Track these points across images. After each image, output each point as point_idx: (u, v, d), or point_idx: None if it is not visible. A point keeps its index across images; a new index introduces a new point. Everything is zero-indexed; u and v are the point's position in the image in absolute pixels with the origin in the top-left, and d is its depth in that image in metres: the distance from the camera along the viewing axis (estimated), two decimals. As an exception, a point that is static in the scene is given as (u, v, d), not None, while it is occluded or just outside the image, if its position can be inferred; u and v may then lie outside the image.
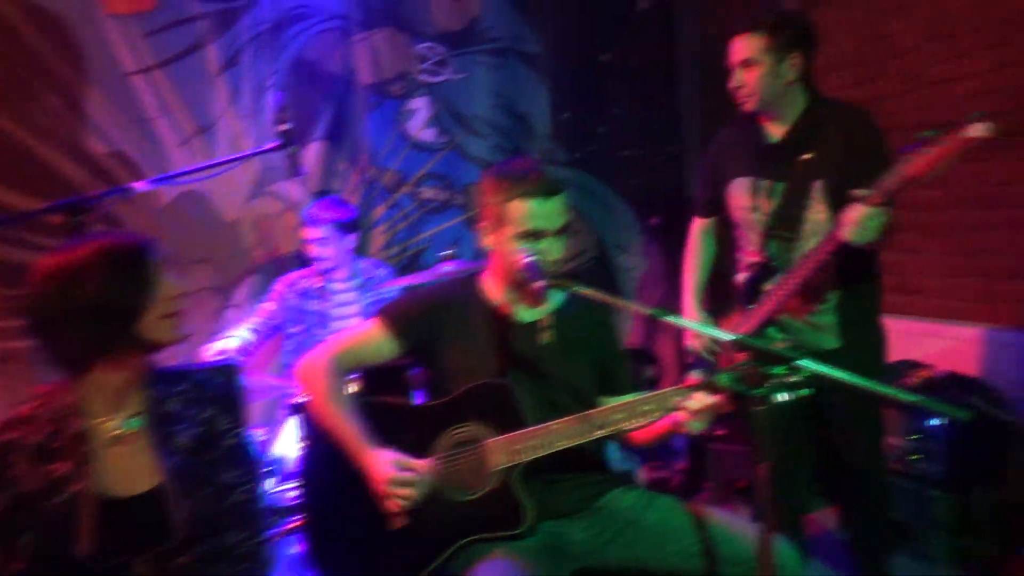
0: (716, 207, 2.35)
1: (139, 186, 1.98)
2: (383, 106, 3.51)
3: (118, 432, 1.41)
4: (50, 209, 1.81)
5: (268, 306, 2.98)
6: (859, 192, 1.86)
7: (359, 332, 1.87)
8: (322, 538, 1.73)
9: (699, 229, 2.46)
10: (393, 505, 1.64)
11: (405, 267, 3.53)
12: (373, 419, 1.74)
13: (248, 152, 2.46)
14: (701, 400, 1.57)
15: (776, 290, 2.12)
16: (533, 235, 1.72)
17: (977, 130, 1.66)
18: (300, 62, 3.37)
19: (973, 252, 3.23)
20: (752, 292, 2.20)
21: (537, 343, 1.83)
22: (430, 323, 1.84)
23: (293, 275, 3.07)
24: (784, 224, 2.14)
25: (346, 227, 2.95)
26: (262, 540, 1.53)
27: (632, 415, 1.64)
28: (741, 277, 2.27)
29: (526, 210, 1.71)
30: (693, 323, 1.57)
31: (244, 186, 3.32)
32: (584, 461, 1.82)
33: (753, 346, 1.43)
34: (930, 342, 3.31)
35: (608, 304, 1.98)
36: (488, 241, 1.80)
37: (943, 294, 3.40)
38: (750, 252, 2.25)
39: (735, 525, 1.72)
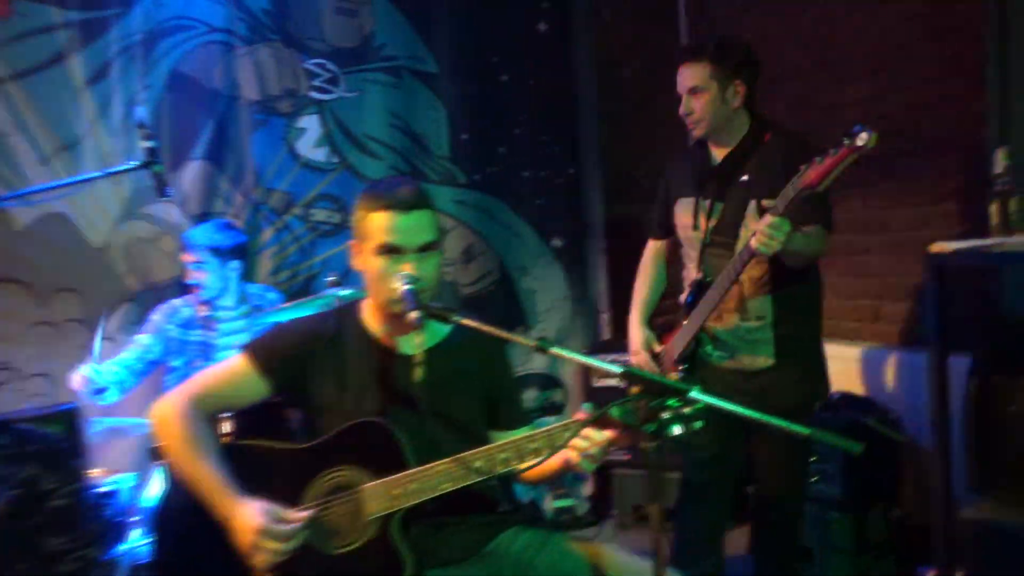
0: (668, 229, 2.39)
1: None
2: (270, 124, 3.32)
3: None
4: None
5: (144, 338, 2.75)
6: (766, 203, 1.92)
7: (222, 370, 1.69)
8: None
9: (651, 251, 2.50)
10: (260, 560, 1.47)
11: (297, 293, 3.33)
12: (239, 465, 1.57)
13: (106, 171, 2.23)
14: (591, 437, 1.48)
15: (704, 304, 2.14)
16: (390, 250, 1.60)
17: (862, 139, 1.73)
18: (177, 76, 3.15)
19: (860, 274, 3.31)
20: (691, 309, 2.22)
21: (420, 377, 1.70)
22: (301, 359, 1.69)
23: (173, 303, 2.84)
24: (720, 242, 2.18)
25: (227, 252, 2.75)
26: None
27: (519, 454, 1.53)
28: (683, 295, 2.28)
29: (383, 223, 1.60)
30: (572, 354, 1.47)
31: (113, 208, 3.06)
32: (473, 502, 1.70)
33: (642, 377, 1.34)
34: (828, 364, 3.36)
35: (492, 333, 1.89)
36: (356, 262, 1.67)
37: (833, 315, 3.47)
38: (691, 269, 2.28)
39: (632, 566, 1.63)
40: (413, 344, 1.71)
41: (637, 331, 2.40)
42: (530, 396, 3.89)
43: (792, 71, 3.46)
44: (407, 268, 1.59)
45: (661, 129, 3.91)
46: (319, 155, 3.42)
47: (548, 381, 3.93)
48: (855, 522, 2.83)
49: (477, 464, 1.53)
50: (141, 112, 2.13)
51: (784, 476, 2.29)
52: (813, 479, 2.88)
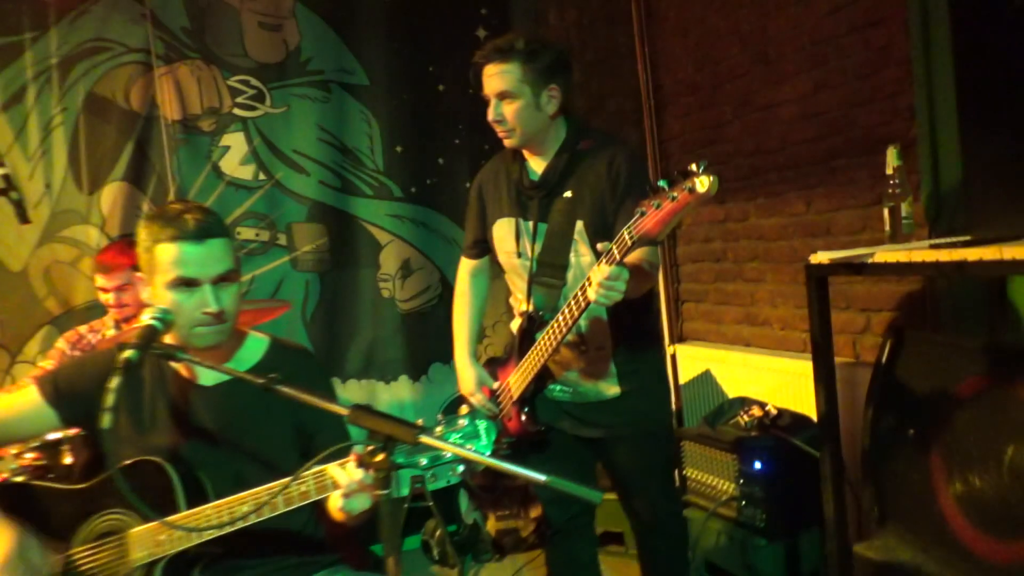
0: (484, 248, 2.19)
1: None
2: (192, 143, 3.28)
3: None
4: None
5: (46, 366, 2.72)
6: (601, 246, 1.69)
7: (10, 399, 1.63)
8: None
9: (467, 272, 2.27)
10: None
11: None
12: (15, 502, 1.50)
13: None
14: (351, 476, 1.37)
15: (542, 344, 1.95)
16: (184, 283, 1.51)
17: (702, 186, 1.46)
18: (94, 98, 3.14)
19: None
20: (524, 343, 2.03)
21: (220, 410, 1.61)
22: (91, 390, 1.61)
23: (79, 330, 2.82)
24: (548, 270, 1.98)
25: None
26: None
27: (287, 497, 1.42)
28: (514, 324, 2.10)
29: (174, 255, 1.50)
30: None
31: (31, 231, 3.06)
32: (279, 543, 1.60)
33: (371, 425, 1.22)
34: (771, 377, 3.17)
35: (315, 363, 1.79)
36: (145, 295, 1.59)
37: (787, 325, 3.27)
38: (518, 299, 2.09)
39: None
40: (215, 375, 1.62)
41: (468, 370, 2.17)
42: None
43: (736, 71, 3.29)
44: (202, 300, 1.51)
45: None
46: (245, 173, 3.37)
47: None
48: (785, 549, 2.64)
49: (243, 508, 1.43)
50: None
51: (653, 495, 2.14)
52: (742, 503, 2.71)
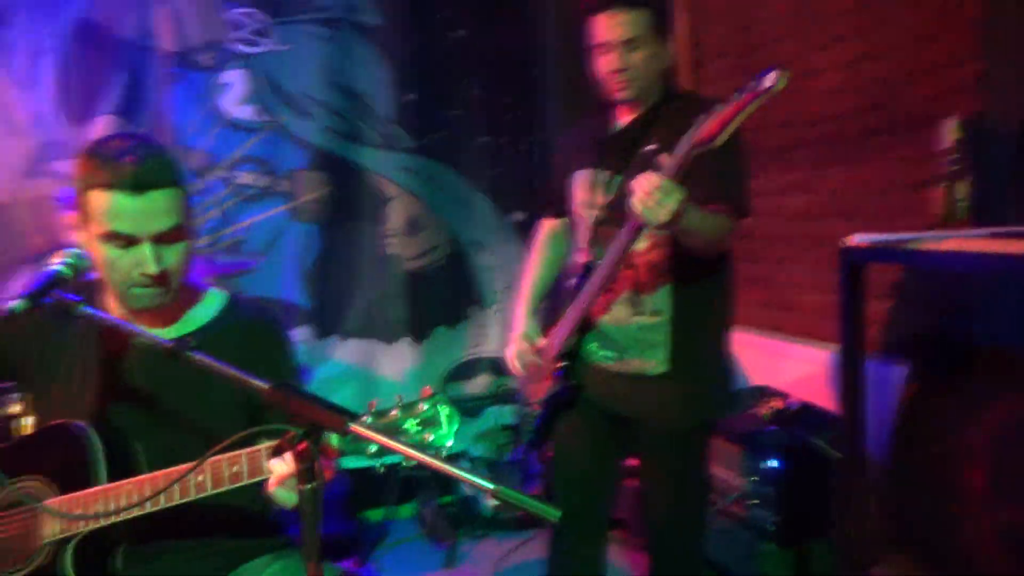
0: (562, 208, 2.03)
1: None
2: (189, 78, 3.08)
3: None
4: None
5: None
6: (657, 161, 1.56)
7: None
8: None
9: (545, 231, 2.14)
10: None
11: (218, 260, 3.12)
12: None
13: None
14: (285, 464, 1.19)
15: (588, 288, 1.79)
16: (118, 238, 1.31)
17: (769, 80, 1.40)
18: (85, 24, 2.95)
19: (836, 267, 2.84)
20: (576, 295, 1.86)
21: (159, 372, 1.43)
22: (21, 342, 1.44)
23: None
24: (616, 220, 1.79)
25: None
26: None
27: (215, 478, 1.24)
28: (570, 281, 1.93)
29: (107, 206, 1.30)
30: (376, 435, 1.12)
31: (18, 163, 2.90)
32: (216, 524, 1.43)
33: (295, 408, 1.03)
34: (795, 366, 2.92)
35: (274, 324, 1.60)
36: (79, 238, 1.39)
37: (816, 311, 3.01)
38: (581, 251, 1.93)
39: None
40: (163, 332, 1.44)
41: (519, 320, 2.04)
42: (481, 383, 3.58)
43: (774, 32, 2.98)
44: (141, 260, 1.32)
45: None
46: (245, 113, 3.17)
47: (501, 366, 3.61)
48: (795, 556, 2.43)
49: (199, 478, 1.26)
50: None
51: (676, 498, 1.94)
52: (753, 502, 2.50)
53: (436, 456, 1.01)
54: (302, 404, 1.03)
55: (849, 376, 1.72)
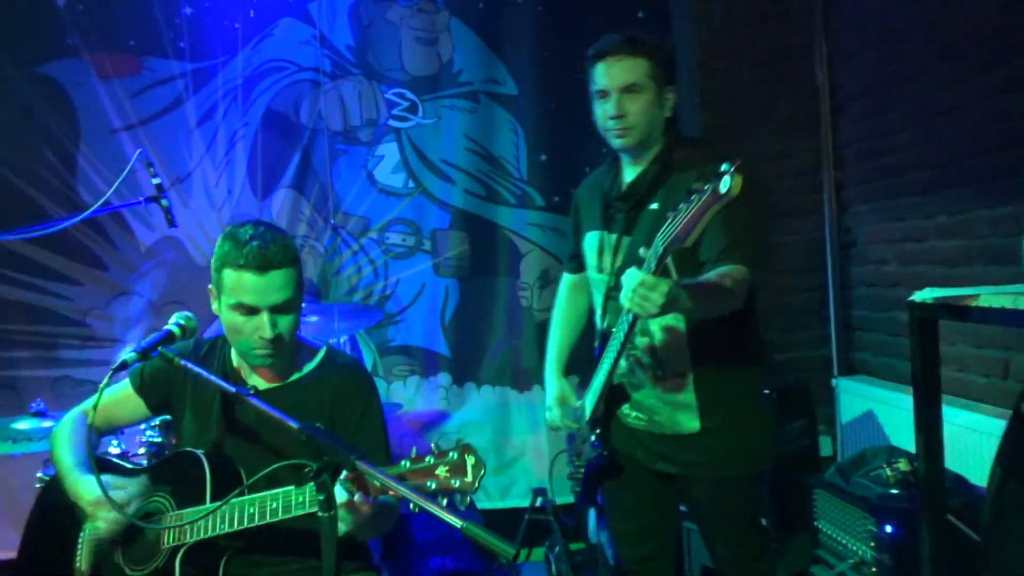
0: (582, 263, 2.10)
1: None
2: (350, 153, 3.54)
3: None
4: None
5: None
6: (642, 252, 1.58)
7: (113, 389, 1.86)
8: None
9: (566, 285, 2.21)
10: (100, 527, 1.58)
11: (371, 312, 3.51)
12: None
13: (113, 206, 2.57)
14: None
15: (605, 361, 1.85)
16: (244, 308, 1.61)
17: (726, 184, 1.37)
18: (270, 113, 3.51)
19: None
20: (598, 362, 1.93)
21: (263, 412, 1.72)
22: (171, 383, 1.80)
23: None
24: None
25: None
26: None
27: (286, 505, 1.48)
28: (596, 345, 2.01)
29: (236, 283, 1.60)
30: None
31: (214, 232, 3.49)
32: (300, 544, 1.68)
33: (314, 445, 1.23)
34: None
35: (359, 373, 1.83)
36: (214, 307, 1.72)
37: (964, 367, 2.76)
38: (599, 315, 1.99)
39: None
40: (265, 382, 1.74)
41: (552, 382, 2.10)
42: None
43: (912, 68, 2.84)
44: (259, 325, 1.61)
45: (771, 143, 3.45)
46: (396, 181, 3.57)
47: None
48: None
49: (251, 510, 1.52)
50: (146, 152, 2.41)
51: (731, 546, 1.94)
52: (872, 570, 2.34)
53: (420, 494, 1.17)
54: (321, 444, 1.24)
55: (926, 434, 1.62)
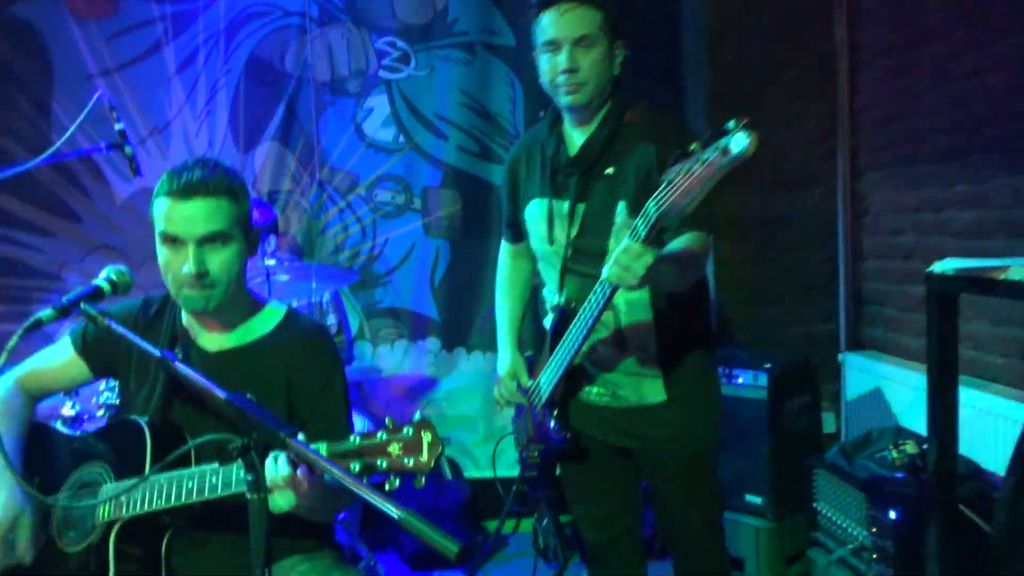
0: (521, 232, 1.95)
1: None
2: (338, 105, 3.36)
3: None
4: None
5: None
6: (629, 223, 1.50)
7: (49, 352, 1.72)
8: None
9: (506, 254, 2.08)
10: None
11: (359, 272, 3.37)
12: (34, 442, 1.61)
13: (78, 151, 2.41)
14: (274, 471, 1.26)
15: (570, 339, 1.71)
16: (169, 239, 1.48)
17: (736, 146, 1.22)
18: (253, 60, 3.32)
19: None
20: (555, 339, 1.79)
21: (216, 378, 1.58)
22: (115, 345, 1.66)
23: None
24: (584, 258, 1.75)
25: (264, 229, 2.86)
26: None
27: (226, 482, 1.35)
28: (546, 320, 1.87)
29: (161, 209, 1.48)
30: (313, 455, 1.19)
31: (196, 185, 3.33)
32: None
33: (242, 419, 1.09)
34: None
35: (323, 340, 1.69)
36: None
37: (979, 346, 2.60)
38: (552, 290, 1.86)
39: None
40: (219, 341, 1.60)
41: (506, 355, 1.99)
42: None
43: (935, 29, 2.63)
44: (183, 259, 1.47)
45: (782, 109, 3.24)
46: (386, 135, 3.39)
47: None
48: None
49: (189, 485, 1.39)
50: (108, 95, 2.25)
51: (690, 524, 1.89)
52: (872, 556, 2.21)
53: (354, 477, 1.03)
54: (250, 418, 1.10)
55: (938, 422, 1.48)
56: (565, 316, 1.75)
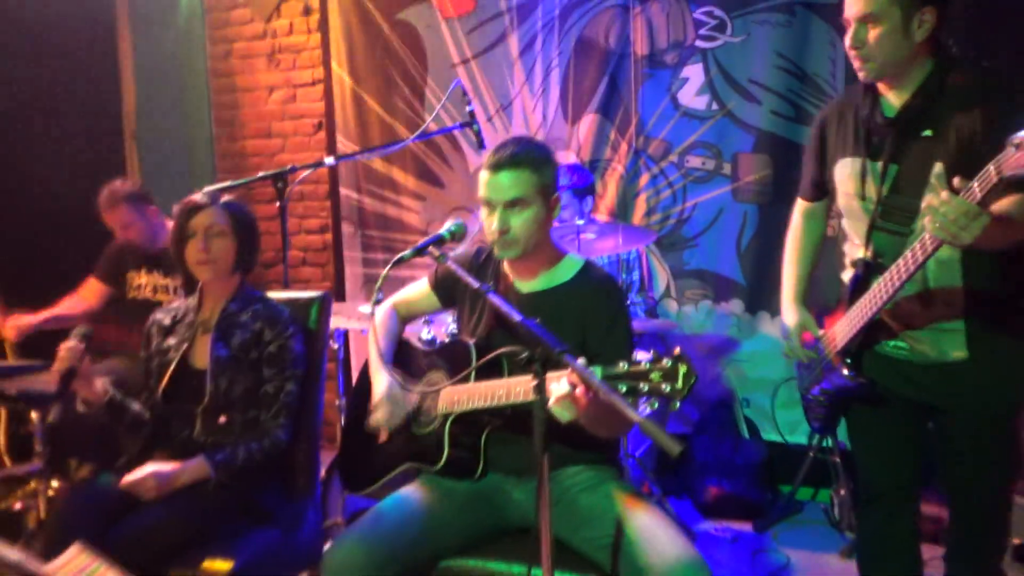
0: (823, 189, 2.05)
1: (328, 161, 2.71)
2: (656, 77, 3.58)
3: (207, 323, 2.17)
4: (262, 178, 2.66)
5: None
6: (958, 182, 1.53)
7: (415, 285, 2.26)
8: (345, 439, 2.25)
9: (801, 213, 2.16)
10: (376, 419, 1.98)
11: (666, 236, 3.60)
12: (401, 352, 2.17)
13: (439, 130, 2.96)
14: (561, 386, 1.56)
15: (877, 291, 1.81)
16: (485, 203, 1.89)
17: None
18: (582, 41, 3.68)
19: None
20: (856, 292, 1.90)
21: (525, 313, 1.96)
22: (456, 282, 2.14)
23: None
24: (895, 215, 1.82)
25: (579, 192, 3.25)
26: (284, 424, 2.12)
27: (526, 390, 1.70)
28: (846, 275, 1.96)
29: (482, 179, 1.90)
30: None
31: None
32: (550, 428, 1.91)
33: (527, 337, 1.41)
34: None
35: (613, 289, 1.97)
36: None
37: None
38: (856, 245, 1.93)
39: (657, 534, 1.66)
40: (530, 284, 1.99)
41: (792, 313, 2.06)
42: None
43: None
44: (493, 219, 1.87)
45: None
46: (699, 103, 3.52)
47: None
48: None
49: (500, 392, 1.78)
50: (461, 83, 2.74)
51: (981, 491, 1.85)
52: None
53: (621, 396, 1.29)
54: (535, 337, 1.41)
55: None
56: (869, 268, 1.83)
